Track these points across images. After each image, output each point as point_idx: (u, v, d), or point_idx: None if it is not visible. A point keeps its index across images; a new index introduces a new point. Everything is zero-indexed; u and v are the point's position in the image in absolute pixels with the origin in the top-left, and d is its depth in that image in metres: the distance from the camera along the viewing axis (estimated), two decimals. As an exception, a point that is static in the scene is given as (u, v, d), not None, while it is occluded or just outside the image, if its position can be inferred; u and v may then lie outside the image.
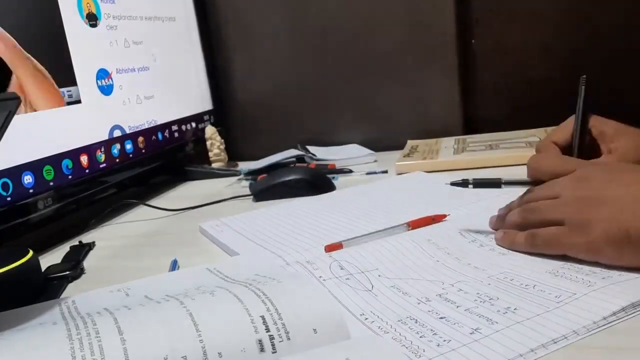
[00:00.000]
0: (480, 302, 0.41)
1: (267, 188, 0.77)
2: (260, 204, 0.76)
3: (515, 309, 0.39)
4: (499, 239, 0.50)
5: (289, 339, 0.34)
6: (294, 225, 0.62)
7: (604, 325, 0.36)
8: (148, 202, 0.81)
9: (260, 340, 0.33)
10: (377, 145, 1.02)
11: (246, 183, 0.92)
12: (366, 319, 0.40)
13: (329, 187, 0.78)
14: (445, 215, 0.57)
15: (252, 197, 0.79)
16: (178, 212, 0.78)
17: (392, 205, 0.66)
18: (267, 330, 0.34)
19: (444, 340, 0.36)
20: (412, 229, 0.55)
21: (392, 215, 0.60)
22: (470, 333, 0.37)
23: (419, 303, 0.42)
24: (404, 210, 0.61)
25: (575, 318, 0.37)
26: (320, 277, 0.46)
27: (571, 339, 0.35)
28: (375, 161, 0.96)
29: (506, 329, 0.36)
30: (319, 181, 0.78)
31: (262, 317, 0.34)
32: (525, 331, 0.36)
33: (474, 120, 1.06)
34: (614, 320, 0.36)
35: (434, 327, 0.38)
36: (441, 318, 0.39)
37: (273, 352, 0.33)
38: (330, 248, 0.52)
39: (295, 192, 0.76)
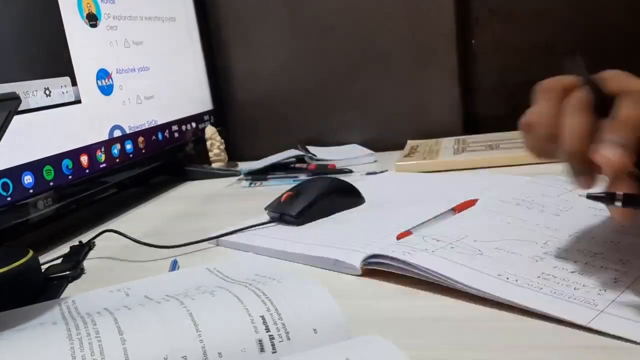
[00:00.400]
0: (591, 256, 0.43)
1: (308, 206, 0.63)
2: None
3: (627, 260, 0.41)
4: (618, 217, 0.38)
5: (289, 339, 0.34)
6: (346, 227, 0.59)
7: None
8: (103, 226, 0.70)
9: (260, 340, 0.33)
10: (377, 145, 1.02)
11: (246, 183, 0.92)
12: (507, 278, 0.41)
13: (356, 192, 0.70)
14: (476, 200, 0.58)
15: (273, 223, 0.65)
16: (147, 246, 0.63)
17: (427, 197, 0.66)
18: (267, 330, 0.34)
19: (601, 290, 0.38)
20: (458, 212, 0.56)
21: (431, 206, 0.59)
22: (614, 282, 0.39)
23: (537, 261, 0.43)
24: (440, 200, 0.61)
25: None
26: (426, 249, 0.45)
27: None
28: (375, 161, 0.96)
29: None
30: (348, 185, 0.70)
31: (262, 317, 0.34)
32: None
33: (474, 120, 1.06)
34: None
35: (575, 280, 0.40)
36: (572, 272, 0.41)
37: (273, 352, 0.33)
38: (401, 235, 0.50)
39: (335, 203, 0.66)
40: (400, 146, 0.98)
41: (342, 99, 1.11)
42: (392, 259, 0.45)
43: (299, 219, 0.63)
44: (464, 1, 1.03)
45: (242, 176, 0.96)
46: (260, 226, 0.64)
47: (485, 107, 1.06)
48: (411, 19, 1.04)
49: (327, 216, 0.64)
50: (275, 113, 1.16)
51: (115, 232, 0.67)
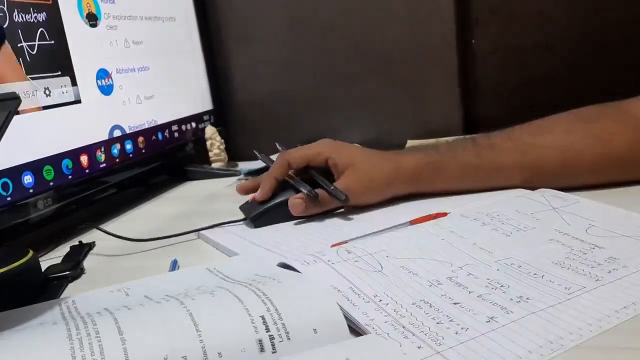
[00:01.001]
0: (492, 288, 0.41)
1: (265, 211, 0.65)
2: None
3: (527, 299, 0.39)
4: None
5: (289, 339, 0.34)
6: (297, 232, 0.62)
7: (617, 321, 0.36)
8: (102, 226, 0.69)
9: (260, 340, 0.33)
10: (377, 145, 1.02)
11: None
12: (380, 300, 0.40)
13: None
14: (446, 213, 0.57)
15: (246, 221, 0.67)
16: (140, 241, 0.65)
17: (394, 208, 0.66)
18: (267, 330, 0.34)
19: (462, 328, 0.36)
20: (413, 224, 0.55)
21: (395, 217, 0.60)
22: (487, 322, 0.37)
23: (430, 286, 0.42)
24: (406, 212, 0.61)
25: (589, 311, 0.37)
26: (328, 260, 0.46)
27: (586, 334, 0.35)
28: (375, 161, 0.95)
29: (522, 319, 0.37)
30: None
31: (262, 317, 0.34)
32: (542, 322, 0.36)
33: (474, 120, 1.06)
34: (626, 316, 0.36)
35: (449, 313, 0.38)
36: (455, 304, 0.39)
37: (273, 352, 0.33)
38: (335, 246, 0.51)
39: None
40: (400, 146, 0.98)
41: (342, 99, 1.11)
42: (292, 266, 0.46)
43: (255, 222, 0.65)
44: (464, 1, 1.03)
45: (242, 176, 0.96)
46: (233, 223, 0.66)
47: (485, 107, 1.06)
48: (411, 19, 1.04)
49: (288, 221, 0.65)
50: (275, 113, 1.16)
51: (101, 230, 0.67)
